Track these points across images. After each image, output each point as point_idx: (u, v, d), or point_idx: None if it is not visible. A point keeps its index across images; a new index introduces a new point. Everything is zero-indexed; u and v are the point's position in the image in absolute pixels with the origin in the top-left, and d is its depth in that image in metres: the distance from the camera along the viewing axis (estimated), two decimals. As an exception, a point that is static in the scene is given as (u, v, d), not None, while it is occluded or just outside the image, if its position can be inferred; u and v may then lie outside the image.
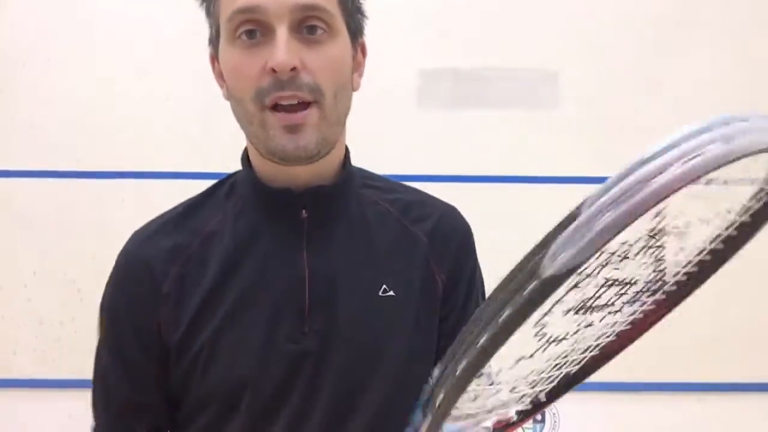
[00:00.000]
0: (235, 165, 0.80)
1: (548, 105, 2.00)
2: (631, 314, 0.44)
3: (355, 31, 0.74)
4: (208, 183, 0.82)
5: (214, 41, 0.72)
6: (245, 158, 0.78)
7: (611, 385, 1.88)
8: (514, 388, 0.46)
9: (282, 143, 0.67)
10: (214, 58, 0.73)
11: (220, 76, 0.73)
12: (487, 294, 0.49)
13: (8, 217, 1.91)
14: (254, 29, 0.65)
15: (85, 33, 1.95)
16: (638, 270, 0.41)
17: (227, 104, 0.73)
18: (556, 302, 0.37)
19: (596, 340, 0.45)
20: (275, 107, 0.66)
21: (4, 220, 1.91)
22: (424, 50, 1.91)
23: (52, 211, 1.91)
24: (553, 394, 0.48)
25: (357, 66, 0.75)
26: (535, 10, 2.00)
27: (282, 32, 0.64)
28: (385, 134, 1.87)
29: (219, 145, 1.54)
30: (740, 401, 2.02)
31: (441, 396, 0.40)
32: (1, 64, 1.95)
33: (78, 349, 1.99)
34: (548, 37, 2.00)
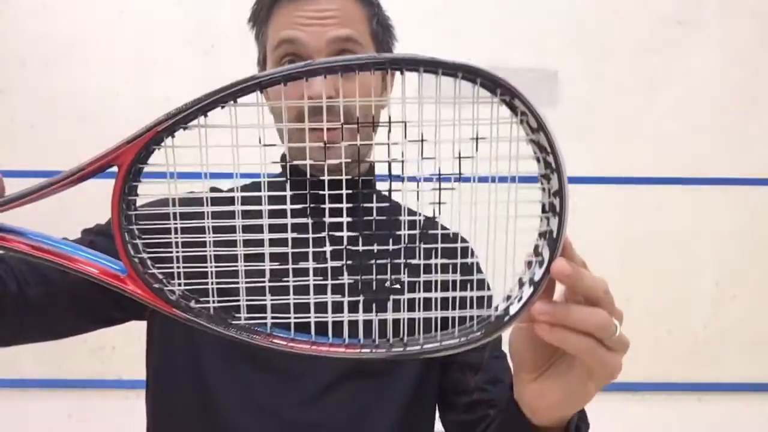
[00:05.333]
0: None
1: (548, 105, 2.00)
2: None
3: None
4: (210, 183, 0.83)
5: (261, 63, 0.82)
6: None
7: (611, 385, 1.87)
8: None
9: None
10: None
11: (265, 94, 0.82)
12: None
13: (8, 216, 1.91)
14: (295, 60, 0.75)
15: (85, 33, 1.95)
16: None
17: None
18: None
19: None
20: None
21: (3, 220, 1.91)
22: (424, 50, 1.91)
23: (52, 211, 1.91)
24: None
25: (385, 87, 0.83)
26: (535, 10, 2.00)
27: None
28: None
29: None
30: (740, 401, 2.03)
31: None
32: (1, 64, 1.95)
33: (78, 350, 1.99)
34: (548, 37, 2.00)
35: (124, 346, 1.82)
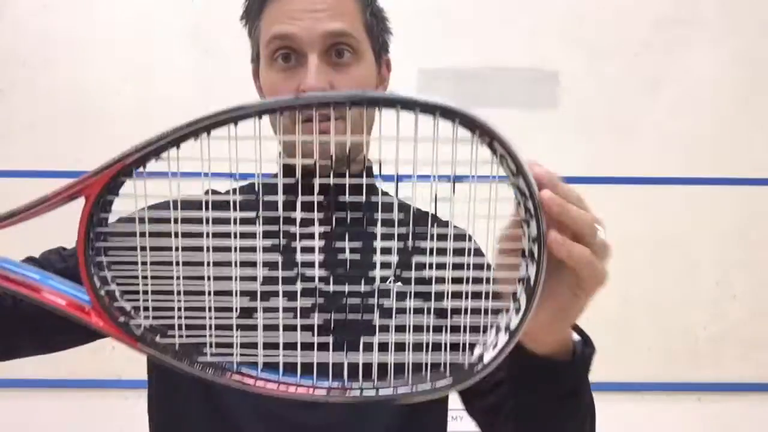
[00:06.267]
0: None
1: (548, 105, 1.99)
2: None
3: (380, 50, 0.82)
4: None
5: (255, 60, 0.81)
6: None
7: (611, 385, 1.88)
8: None
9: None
10: (256, 74, 0.81)
11: (260, 90, 0.81)
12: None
13: None
14: (289, 54, 0.74)
15: (85, 33, 1.95)
16: None
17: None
18: None
19: None
20: None
21: None
22: (424, 50, 1.91)
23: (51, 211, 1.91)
24: None
25: (381, 81, 0.82)
26: (535, 10, 2.00)
27: (313, 58, 0.72)
28: (386, 134, 1.87)
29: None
30: (740, 401, 2.02)
31: None
32: (1, 64, 1.95)
33: (78, 349, 1.98)
34: (548, 37, 2.00)
35: (123, 346, 1.81)
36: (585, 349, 0.59)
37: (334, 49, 0.74)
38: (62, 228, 0.60)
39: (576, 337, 0.59)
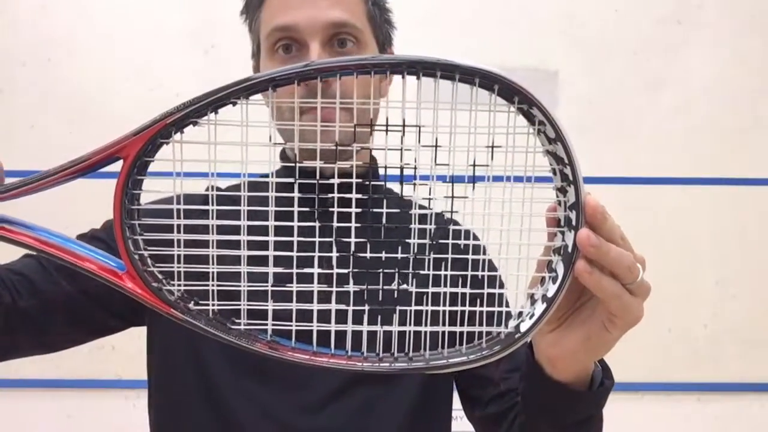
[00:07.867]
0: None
1: (548, 105, 1.99)
2: None
3: (384, 42, 0.80)
4: (216, 181, 0.82)
5: (255, 55, 0.79)
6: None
7: (611, 385, 1.88)
8: None
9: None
10: (256, 70, 0.80)
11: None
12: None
13: (6, 209, 1.90)
14: (290, 44, 0.72)
15: (85, 33, 1.95)
16: None
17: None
18: None
19: None
20: None
21: (2, 211, 1.90)
22: (423, 50, 1.90)
23: (53, 211, 1.91)
24: None
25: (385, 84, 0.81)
26: (535, 10, 2.00)
27: (315, 48, 0.71)
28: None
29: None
30: (740, 401, 2.02)
31: None
32: (1, 64, 1.95)
33: (78, 349, 1.97)
34: (548, 37, 2.00)
35: (123, 346, 1.82)
36: (605, 381, 0.58)
37: (336, 38, 0.73)
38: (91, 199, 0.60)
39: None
